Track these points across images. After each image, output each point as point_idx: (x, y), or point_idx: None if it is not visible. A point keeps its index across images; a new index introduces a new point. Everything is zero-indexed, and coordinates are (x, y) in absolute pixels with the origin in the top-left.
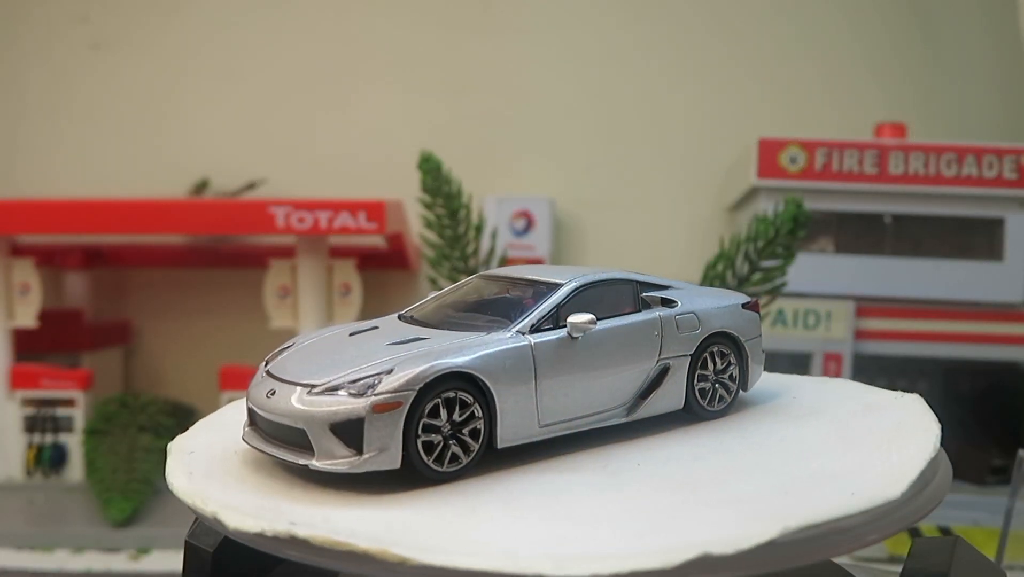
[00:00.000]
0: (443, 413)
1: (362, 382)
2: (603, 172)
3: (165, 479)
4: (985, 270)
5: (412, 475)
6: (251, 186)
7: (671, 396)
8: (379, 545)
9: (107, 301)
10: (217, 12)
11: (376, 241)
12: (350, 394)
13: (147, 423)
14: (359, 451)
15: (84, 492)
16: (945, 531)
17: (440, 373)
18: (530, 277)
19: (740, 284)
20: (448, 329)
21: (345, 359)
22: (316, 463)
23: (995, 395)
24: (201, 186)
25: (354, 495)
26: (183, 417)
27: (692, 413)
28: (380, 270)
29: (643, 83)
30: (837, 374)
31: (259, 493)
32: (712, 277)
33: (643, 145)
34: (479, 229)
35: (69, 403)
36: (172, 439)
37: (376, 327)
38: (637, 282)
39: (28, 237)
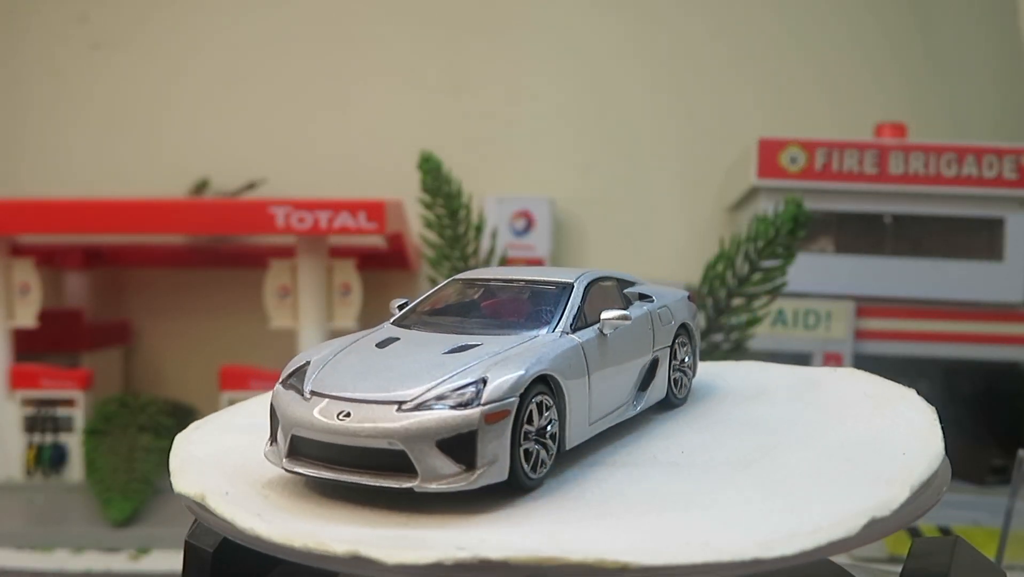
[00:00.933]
0: (535, 418)
1: (461, 393)
2: (603, 172)
3: (233, 527)
4: (985, 270)
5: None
6: (251, 186)
7: (659, 387)
8: (594, 555)
9: (107, 301)
10: (217, 12)
11: (376, 241)
12: (453, 406)
13: (147, 423)
14: (471, 466)
15: (84, 492)
16: (945, 531)
17: (535, 377)
18: (527, 277)
19: (740, 284)
20: (480, 333)
21: (409, 371)
22: (424, 485)
23: (995, 395)
24: (201, 186)
25: (448, 512)
26: (183, 417)
27: (668, 402)
28: (380, 270)
29: (643, 83)
30: None
31: (357, 522)
32: (712, 277)
33: (643, 145)
34: (479, 229)
35: (69, 403)
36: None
37: (397, 337)
38: (617, 279)
39: (28, 237)
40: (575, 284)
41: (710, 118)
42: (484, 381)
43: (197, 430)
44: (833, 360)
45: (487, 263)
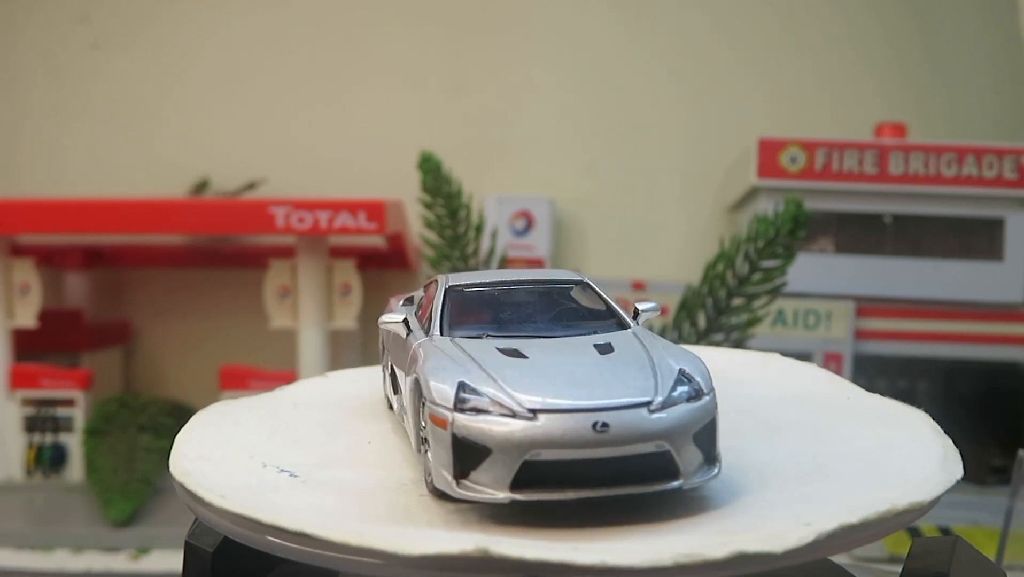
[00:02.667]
0: None
1: (686, 385)
2: (603, 172)
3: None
4: (985, 270)
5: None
6: (251, 186)
7: None
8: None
9: (107, 301)
10: (217, 12)
11: (376, 241)
12: (689, 399)
13: (147, 423)
14: (711, 458)
15: (84, 492)
16: (945, 531)
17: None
18: (531, 278)
19: (740, 284)
20: (572, 333)
21: (604, 375)
22: (689, 481)
23: (995, 395)
24: (201, 186)
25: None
26: (183, 417)
27: None
28: (380, 270)
29: (643, 83)
30: (837, 374)
31: (457, 525)
32: (712, 277)
33: (643, 145)
34: (479, 229)
35: (69, 403)
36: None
37: (513, 348)
38: None
39: (28, 237)
40: (586, 280)
41: (710, 118)
42: (685, 372)
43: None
44: (833, 360)
45: (487, 263)
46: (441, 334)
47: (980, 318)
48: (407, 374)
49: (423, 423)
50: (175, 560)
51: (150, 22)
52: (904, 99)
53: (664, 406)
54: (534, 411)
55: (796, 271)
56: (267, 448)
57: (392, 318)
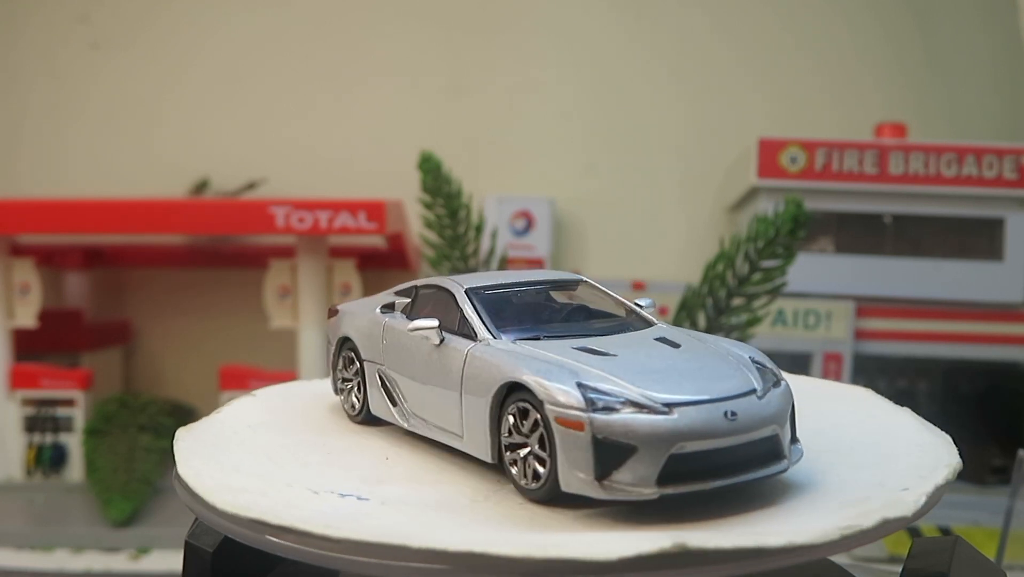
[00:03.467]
0: None
1: (766, 371)
2: (603, 172)
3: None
4: (985, 270)
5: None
6: (251, 186)
7: None
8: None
9: (107, 301)
10: (217, 12)
11: (376, 241)
12: (774, 386)
13: (147, 423)
14: (795, 439)
15: (84, 492)
16: (945, 531)
17: None
18: (535, 279)
19: (740, 284)
20: (625, 330)
21: (700, 367)
22: (790, 461)
23: (995, 395)
24: (201, 186)
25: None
26: (183, 417)
27: None
28: (380, 270)
29: (643, 83)
30: (837, 374)
31: (592, 527)
32: (712, 277)
33: (643, 145)
34: (479, 229)
35: (69, 403)
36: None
37: (592, 347)
38: None
39: (28, 237)
40: (586, 279)
41: (710, 118)
42: (755, 360)
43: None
44: (833, 360)
45: (487, 263)
46: (495, 337)
47: (980, 318)
48: (460, 384)
49: (513, 429)
50: (175, 560)
51: (150, 22)
52: (904, 99)
53: (765, 392)
54: (669, 405)
55: (796, 271)
56: (295, 475)
57: (427, 324)
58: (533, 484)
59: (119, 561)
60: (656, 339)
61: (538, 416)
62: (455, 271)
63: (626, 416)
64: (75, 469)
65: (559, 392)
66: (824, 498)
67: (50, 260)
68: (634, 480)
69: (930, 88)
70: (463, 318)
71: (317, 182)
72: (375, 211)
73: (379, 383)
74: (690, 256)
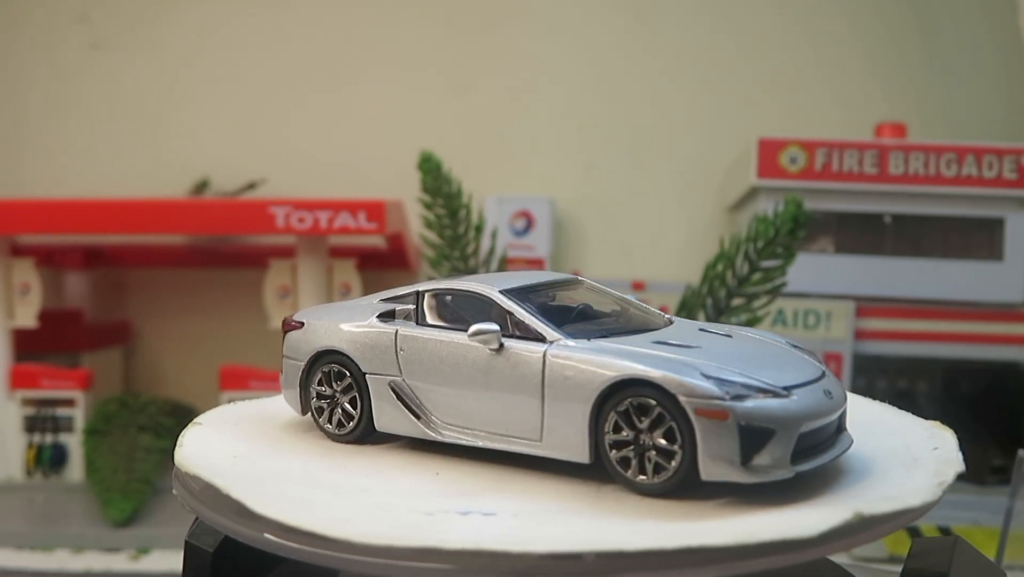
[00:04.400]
0: None
1: (811, 354)
2: (603, 172)
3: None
4: (985, 270)
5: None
6: (251, 186)
7: None
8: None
9: (107, 301)
10: (217, 12)
11: (376, 241)
12: (827, 373)
13: (147, 423)
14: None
15: (84, 492)
16: (945, 531)
17: None
18: (549, 280)
19: (740, 284)
20: (664, 326)
21: (764, 355)
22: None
23: (995, 395)
24: (201, 186)
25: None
26: (183, 417)
27: None
28: (380, 270)
29: (643, 83)
30: (837, 374)
31: (706, 515)
32: (712, 277)
33: (643, 145)
34: (479, 229)
35: (69, 403)
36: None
37: (683, 343)
38: None
39: (28, 237)
40: (586, 280)
41: (710, 118)
42: (796, 345)
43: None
44: (833, 360)
45: (487, 263)
46: (567, 337)
47: (980, 318)
48: (541, 388)
49: (623, 427)
50: (175, 560)
51: (150, 22)
52: (904, 99)
53: (825, 374)
54: (788, 388)
55: (796, 271)
56: (376, 500)
57: (489, 328)
58: (655, 478)
59: (119, 561)
60: (700, 330)
61: (662, 410)
62: (455, 271)
63: (760, 402)
64: (75, 469)
65: (694, 384)
66: (865, 485)
67: (50, 260)
68: (772, 462)
69: (930, 88)
70: (515, 321)
71: (317, 182)
72: (375, 211)
73: (393, 396)
74: (690, 256)
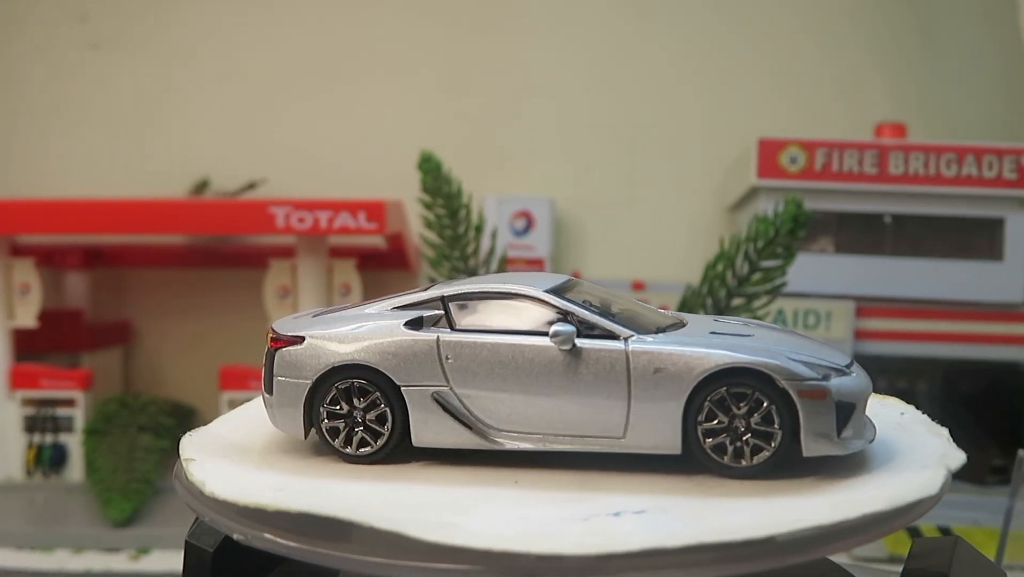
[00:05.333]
0: None
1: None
2: (603, 172)
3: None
4: (985, 270)
5: None
6: (251, 186)
7: None
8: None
9: (107, 301)
10: (216, 12)
11: (376, 241)
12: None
13: (147, 423)
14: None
15: (84, 492)
16: (945, 531)
17: None
18: (559, 283)
19: (740, 284)
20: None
21: (797, 340)
22: None
23: (995, 395)
24: (201, 186)
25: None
26: (183, 417)
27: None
28: (380, 270)
29: (643, 83)
30: None
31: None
32: (712, 277)
33: (643, 145)
34: (479, 229)
35: (69, 403)
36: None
37: (734, 332)
38: None
39: (28, 237)
40: (573, 277)
41: (710, 118)
42: (797, 333)
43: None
44: None
45: (487, 263)
46: (639, 333)
47: (980, 318)
48: (628, 384)
49: (718, 414)
50: (175, 560)
51: (150, 22)
52: (904, 99)
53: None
54: (847, 367)
55: (796, 271)
56: (507, 514)
57: (568, 329)
58: (753, 460)
59: (119, 561)
60: (715, 321)
61: (760, 395)
62: (455, 271)
63: (840, 380)
64: (75, 469)
65: (792, 368)
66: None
67: (50, 260)
68: (854, 433)
69: (930, 88)
70: (579, 320)
71: (317, 182)
72: (375, 211)
73: (438, 407)
74: (690, 256)
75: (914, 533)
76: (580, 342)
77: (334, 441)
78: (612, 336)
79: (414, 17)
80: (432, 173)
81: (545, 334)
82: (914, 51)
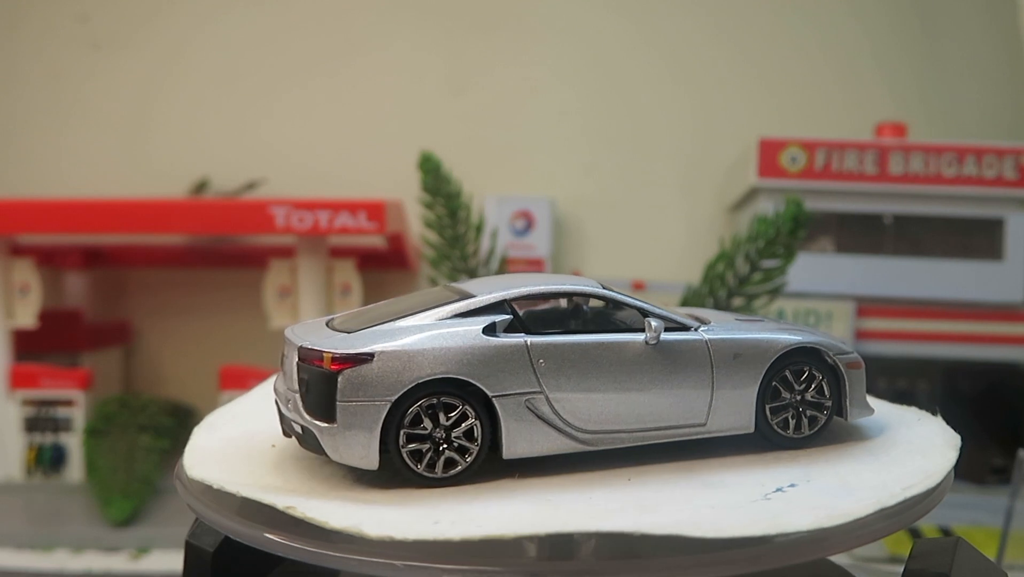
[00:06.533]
0: None
1: None
2: (603, 172)
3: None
4: (985, 270)
5: None
6: (251, 186)
7: None
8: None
9: (107, 301)
10: (216, 12)
11: (376, 241)
12: None
13: (147, 423)
14: None
15: (84, 492)
16: (945, 531)
17: None
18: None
19: (740, 284)
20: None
21: (790, 323)
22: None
23: (995, 395)
24: (201, 186)
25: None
26: (183, 417)
27: None
28: (380, 270)
29: (644, 83)
30: None
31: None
32: (712, 277)
33: (643, 145)
34: (479, 229)
35: (69, 403)
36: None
37: (747, 319)
38: None
39: (28, 237)
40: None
41: (710, 118)
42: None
43: None
44: None
45: (487, 263)
46: (699, 324)
47: (980, 318)
48: (711, 372)
49: (782, 391)
50: (175, 560)
51: (150, 22)
52: (904, 99)
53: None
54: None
55: (796, 271)
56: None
57: (661, 324)
58: (810, 431)
59: (119, 561)
60: (729, 314)
61: (814, 371)
62: (455, 271)
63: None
64: (75, 469)
65: (836, 344)
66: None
67: (50, 260)
68: (865, 398)
69: (930, 88)
70: (653, 314)
71: (317, 182)
72: (375, 211)
73: (531, 415)
74: (690, 256)
75: (915, 533)
76: (664, 335)
77: (418, 466)
78: (684, 328)
79: (414, 17)
80: (432, 173)
81: (621, 330)
82: (915, 51)
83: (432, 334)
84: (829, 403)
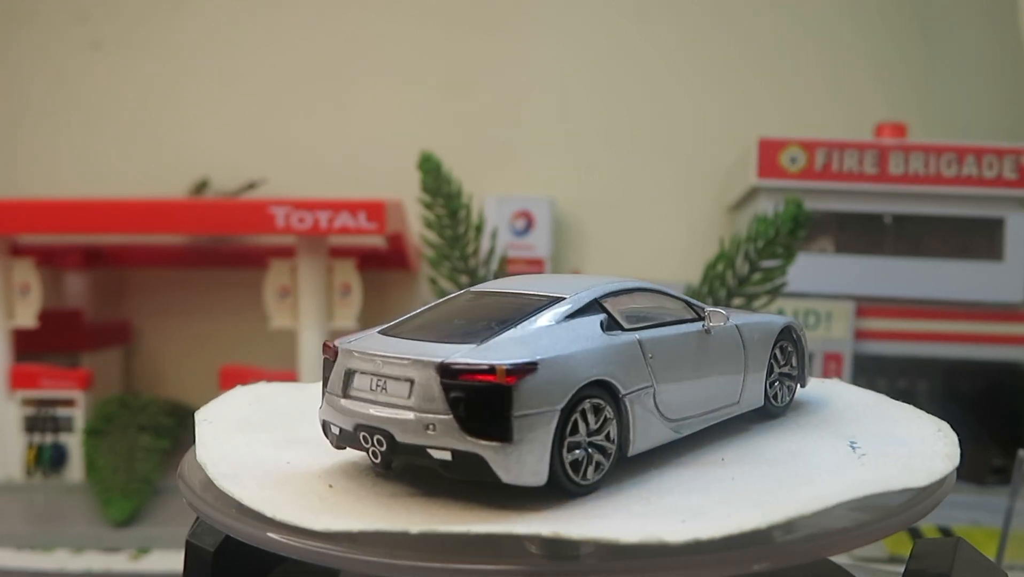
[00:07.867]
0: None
1: None
2: (603, 172)
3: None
4: (985, 270)
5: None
6: (251, 186)
7: None
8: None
9: (107, 301)
10: (217, 12)
11: (376, 241)
12: None
13: (147, 423)
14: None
15: (84, 492)
16: (945, 531)
17: None
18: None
19: (740, 284)
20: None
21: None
22: None
23: (995, 395)
24: (201, 186)
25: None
26: (183, 417)
27: None
28: (380, 270)
29: (643, 83)
30: (837, 374)
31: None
32: (712, 277)
33: (643, 145)
34: (479, 229)
35: (69, 403)
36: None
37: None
38: None
39: (28, 237)
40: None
41: (710, 118)
42: None
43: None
44: (833, 360)
45: (487, 263)
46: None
47: (980, 318)
48: (744, 354)
49: (782, 362)
50: (175, 560)
51: (150, 22)
52: (904, 99)
53: None
54: None
55: (796, 271)
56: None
57: (722, 318)
58: (786, 401)
59: (119, 561)
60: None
61: (791, 346)
62: (455, 271)
63: None
64: (75, 469)
65: (799, 321)
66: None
67: (50, 260)
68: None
69: (930, 88)
70: (689, 305)
71: (317, 182)
72: (375, 211)
73: (647, 409)
74: (690, 256)
75: (915, 534)
76: (704, 324)
77: (577, 476)
78: (703, 317)
79: (414, 18)
80: (432, 173)
81: (680, 322)
82: (914, 51)
83: (570, 337)
84: (796, 373)
